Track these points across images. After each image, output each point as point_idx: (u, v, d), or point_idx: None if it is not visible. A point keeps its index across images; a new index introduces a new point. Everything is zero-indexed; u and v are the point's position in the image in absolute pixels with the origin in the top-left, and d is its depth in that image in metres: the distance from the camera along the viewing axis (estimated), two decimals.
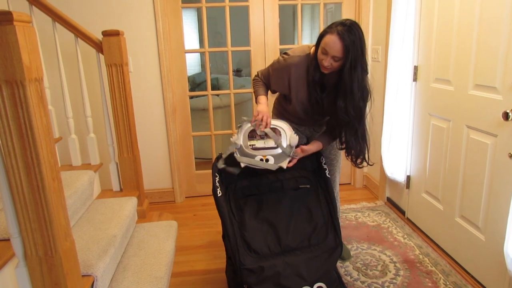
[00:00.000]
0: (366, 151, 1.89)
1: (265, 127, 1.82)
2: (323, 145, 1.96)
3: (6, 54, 1.16)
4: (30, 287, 1.42)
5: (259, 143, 1.83)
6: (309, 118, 2.05)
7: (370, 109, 1.85)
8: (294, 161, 1.86)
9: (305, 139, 2.17)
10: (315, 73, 1.80)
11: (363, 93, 1.74)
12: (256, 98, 2.01)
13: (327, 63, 1.69)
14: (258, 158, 1.80)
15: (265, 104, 1.93)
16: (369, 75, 1.79)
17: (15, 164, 1.27)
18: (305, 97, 1.92)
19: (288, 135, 1.83)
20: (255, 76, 2.10)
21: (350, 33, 1.62)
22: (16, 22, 1.15)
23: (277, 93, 2.10)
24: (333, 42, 1.64)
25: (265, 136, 1.83)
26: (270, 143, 1.81)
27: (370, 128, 1.91)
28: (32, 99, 1.23)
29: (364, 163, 1.92)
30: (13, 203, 1.32)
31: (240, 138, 1.83)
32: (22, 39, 1.18)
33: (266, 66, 2.07)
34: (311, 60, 1.83)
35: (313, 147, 1.93)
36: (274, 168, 1.76)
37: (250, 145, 1.82)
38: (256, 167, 1.79)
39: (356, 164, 1.92)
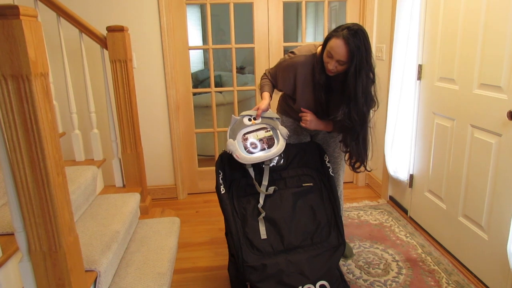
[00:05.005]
0: (366, 157, 1.89)
1: (257, 117, 1.93)
2: (333, 128, 1.97)
3: (13, 49, 1.16)
4: (34, 282, 1.42)
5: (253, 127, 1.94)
6: None
7: (373, 115, 1.85)
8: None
9: (308, 137, 2.17)
10: (321, 75, 1.81)
11: (367, 99, 1.74)
12: (261, 94, 2.04)
13: (332, 66, 1.70)
14: (246, 118, 1.91)
15: (266, 100, 1.97)
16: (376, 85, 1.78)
17: (20, 158, 1.27)
18: (310, 96, 1.92)
19: (279, 130, 1.94)
20: (263, 74, 2.12)
21: (355, 38, 1.62)
22: (22, 17, 1.15)
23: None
24: (338, 46, 1.64)
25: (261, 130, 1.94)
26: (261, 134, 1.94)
27: (373, 134, 1.92)
28: (38, 94, 1.23)
29: (362, 168, 1.92)
30: (17, 197, 1.32)
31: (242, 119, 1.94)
32: (28, 33, 1.17)
33: (273, 65, 2.09)
34: (317, 61, 1.83)
35: (323, 124, 1.95)
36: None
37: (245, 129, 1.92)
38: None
39: (353, 168, 1.92)
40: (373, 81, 1.75)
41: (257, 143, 1.87)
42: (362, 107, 1.74)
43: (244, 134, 1.88)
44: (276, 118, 1.96)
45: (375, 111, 1.84)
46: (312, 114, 1.94)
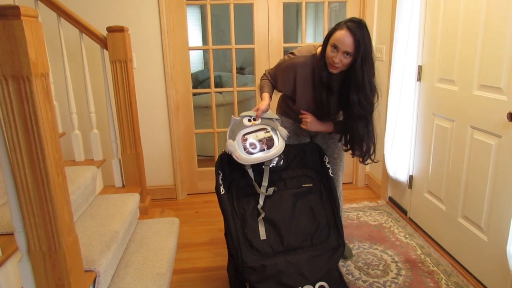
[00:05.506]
0: (373, 147, 1.90)
1: (257, 117, 1.94)
2: (334, 129, 1.98)
3: (13, 49, 1.16)
4: (33, 282, 1.42)
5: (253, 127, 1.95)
6: None
7: (377, 106, 1.88)
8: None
9: (308, 138, 2.17)
10: (323, 73, 1.81)
11: (372, 88, 1.78)
12: (260, 95, 2.04)
13: (337, 59, 1.70)
14: (246, 119, 1.91)
15: (266, 101, 1.97)
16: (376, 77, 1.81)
17: (20, 159, 1.27)
18: (310, 97, 1.92)
19: (279, 131, 1.93)
20: (263, 75, 2.12)
21: (360, 29, 1.65)
22: (23, 17, 1.15)
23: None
24: (344, 37, 1.66)
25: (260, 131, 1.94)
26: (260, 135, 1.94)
27: (376, 126, 1.94)
28: (38, 94, 1.23)
29: (369, 160, 1.94)
30: (17, 197, 1.32)
31: (242, 118, 1.95)
32: (29, 34, 1.18)
33: (273, 66, 2.09)
34: (317, 61, 1.84)
35: (324, 125, 1.97)
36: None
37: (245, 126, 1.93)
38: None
39: (362, 160, 1.93)
40: (374, 73, 1.79)
41: (256, 143, 1.87)
42: (370, 94, 1.78)
43: (244, 134, 1.88)
44: (276, 119, 1.96)
45: (376, 101, 1.86)
46: (312, 116, 1.94)
